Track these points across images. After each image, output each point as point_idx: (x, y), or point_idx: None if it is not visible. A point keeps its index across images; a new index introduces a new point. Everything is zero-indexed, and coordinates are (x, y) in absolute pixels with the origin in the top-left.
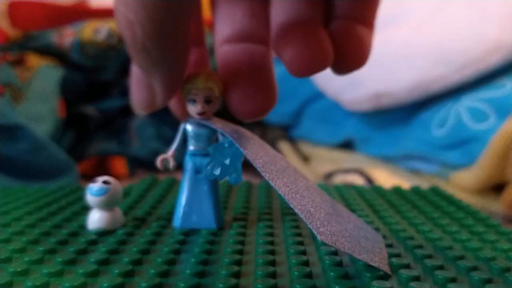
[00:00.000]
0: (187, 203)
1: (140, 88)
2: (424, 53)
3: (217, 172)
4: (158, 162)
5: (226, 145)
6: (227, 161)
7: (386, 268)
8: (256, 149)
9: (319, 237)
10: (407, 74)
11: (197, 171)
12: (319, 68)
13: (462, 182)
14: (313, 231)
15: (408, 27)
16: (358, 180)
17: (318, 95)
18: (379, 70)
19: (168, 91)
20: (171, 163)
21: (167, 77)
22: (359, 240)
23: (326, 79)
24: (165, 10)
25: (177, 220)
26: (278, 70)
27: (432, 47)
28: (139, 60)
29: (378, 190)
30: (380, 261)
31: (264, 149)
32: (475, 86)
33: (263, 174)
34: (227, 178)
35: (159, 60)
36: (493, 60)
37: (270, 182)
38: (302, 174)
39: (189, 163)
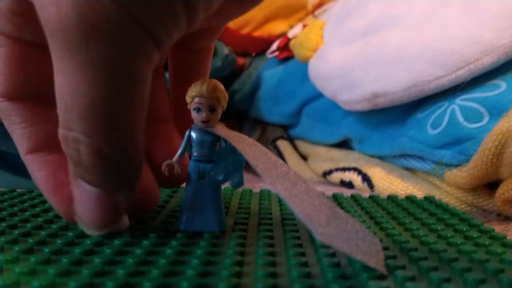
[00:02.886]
0: (190, 207)
1: (100, 209)
2: (420, 54)
3: (220, 176)
4: (163, 167)
5: (229, 151)
6: (230, 167)
7: (382, 269)
8: (258, 155)
9: (318, 238)
10: (402, 75)
11: (200, 176)
12: None
13: (457, 180)
14: (312, 232)
15: (403, 28)
16: (355, 178)
17: (316, 96)
18: (375, 71)
19: (132, 200)
20: (176, 169)
21: (134, 187)
22: (356, 241)
23: (324, 80)
24: (124, 127)
25: (181, 223)
26: (278, 71)
27: (427, 48)
28: (105, 181)
29: (375, 199)
30: (376, 262)
31: (266, 155)
32: (469, 86)
33: (264, 179)
34: (229, 182)
35: (128, 173)
36: (488, 61)
37: (271, 186)
38: (302, 179)
39: (193, 169)
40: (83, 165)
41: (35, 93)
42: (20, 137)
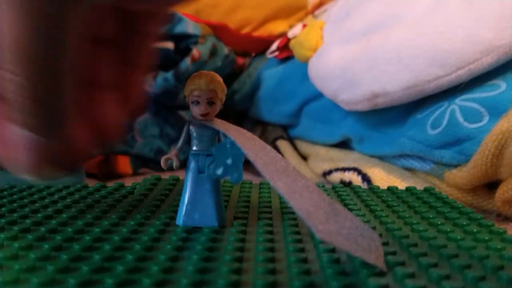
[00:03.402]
0: (189, 202)
1: (30, 153)
2: (419, 54)
3: (220, 171)
4: (162, 161)
5: (228, 145)
6: (229, 161)
7: (382, 266)
8: (257, 150)
9: (317, 235)
10: (402, 75)
11: (199, 170)
12: None
13: (457, 180)
14: (312, 229)
15: (403, 28)
16: (355, 178)
17: (316, 96)
18: (375, 70)
19: (62, 148)
20: (175, 163)
21: (63, 134)
22: (356, 238)
23: (324, 80)
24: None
25: (180, 218)
26: (278, 71)
27: (427, 48)
28: (35, 124)
29: (374, 190)
30: (376, 258)
31: (265, 150)
32: (469, 86)
33: (263, 174)
34: (228, 177)
35: (57, 118)
36: (488, 61)
37: (270, 181)
38: (302, 174)
39: (192, 163)
40: (14, 106)
41: None
42: None
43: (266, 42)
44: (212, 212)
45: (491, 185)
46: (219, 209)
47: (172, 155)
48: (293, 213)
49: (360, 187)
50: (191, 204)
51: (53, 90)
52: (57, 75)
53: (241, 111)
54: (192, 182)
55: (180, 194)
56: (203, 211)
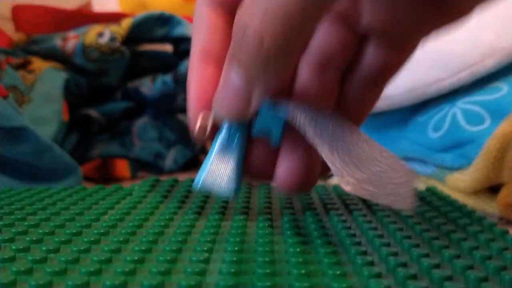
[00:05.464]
0: (211, 168)
1: (237, 98)
2: (421, 57)
3: (260, 130)
4: (197, 126)
5: (270, 107)
6: (269, 121)
7: (409, 207)
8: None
9: (344, 188)
10: (403, 78)
11: (228, 138)
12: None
13: (458, 184)
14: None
15: None
16: None
17: None
18: None
19: (263, 96)
20: (209, 128)
21: (271, 89)
22: (384, 183)
23: None
24: (300, 26)
25: (198, 182)
26: None
27: (428, 51)
28: (250, 73)
29: None
30: (402, 203)
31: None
32: (471, 89)
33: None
34: (269, 137)
35: (276, 73)
36: (489, 63)
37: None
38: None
39: (223, 131)
40: (242, 48)
41: (228, 5)
42: (199, 39)
43: None
44: (232, 181)
45: (493, 189)
46: (238, 180)
47: (208, 121)
48: (294, 213)
49: None
50: (211, 170)
51: (283, 50)
52: (293, 41)
53: None
54: (218, 148)
55: (178, 197)
56: (223, 179)
